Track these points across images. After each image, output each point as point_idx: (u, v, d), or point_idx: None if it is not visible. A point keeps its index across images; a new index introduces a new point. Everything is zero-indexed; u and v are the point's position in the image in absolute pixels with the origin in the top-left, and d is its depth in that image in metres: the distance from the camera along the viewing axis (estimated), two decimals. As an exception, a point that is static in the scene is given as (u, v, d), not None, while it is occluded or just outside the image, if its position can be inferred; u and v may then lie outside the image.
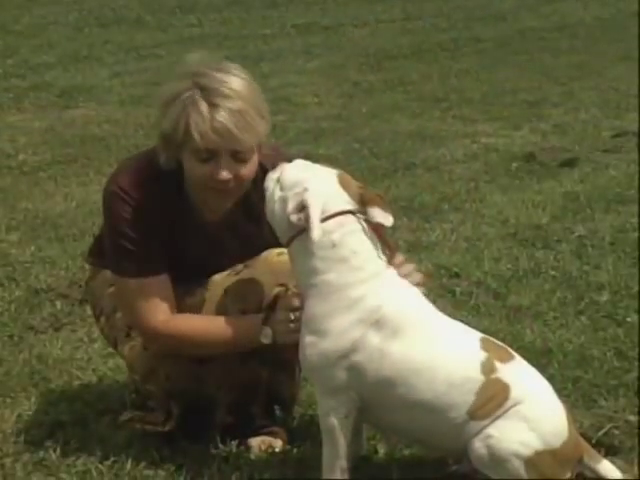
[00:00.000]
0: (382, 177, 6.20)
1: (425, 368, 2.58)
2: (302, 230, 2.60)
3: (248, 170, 2.79)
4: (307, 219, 2.57)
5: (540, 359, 3.42)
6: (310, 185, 2.63)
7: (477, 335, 2.69)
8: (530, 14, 14.49)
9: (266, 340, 2.78)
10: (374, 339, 2.58)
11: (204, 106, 2.70)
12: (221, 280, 2.95)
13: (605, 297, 4.12)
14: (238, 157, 2.75)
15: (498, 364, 2.60)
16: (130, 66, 11.12)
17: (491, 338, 2.72)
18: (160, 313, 2.83)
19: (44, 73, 10.76)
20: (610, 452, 2.88)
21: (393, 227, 5.37)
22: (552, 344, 3.67)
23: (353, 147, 7.07)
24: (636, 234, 4.91)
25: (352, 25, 14.05)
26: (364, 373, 2.60)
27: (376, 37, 12.88)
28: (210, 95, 2.71)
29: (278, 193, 2.67)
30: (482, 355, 2.61)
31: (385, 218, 2.66)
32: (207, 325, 2.85)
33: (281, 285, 2.87)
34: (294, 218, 2.60)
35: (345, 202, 2.66)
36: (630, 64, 9.87)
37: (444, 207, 5.55)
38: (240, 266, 2.95)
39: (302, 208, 2.59)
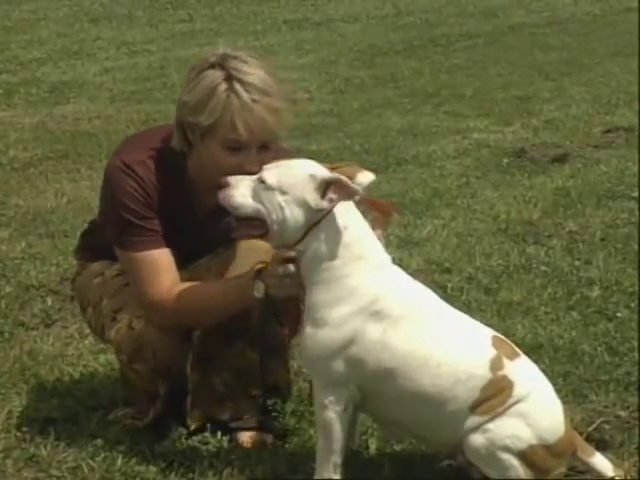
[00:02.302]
0: (373, 173, 6.18)
1: (432, 362, 2.58)
2: (317, 220, 2.60)
3: (270, 156, 2.82)
4: (342, 186, 2.55)
5: (531, 354, 3.39)
6: (312, 171, 2.62)
7: (489, 332, 2.69)
8: (521, 10, 14.50)
9: (258, 294, 2.76)
10: (374, 330, 2.58)
11: (249, 101, 2.75)
12: (203, 262, 3.00)
13: (596, 292, 4.13)
14: (264, 147, 2.81)
15: (506, 361, 2.61)
16: (121, 62, 11.10)
17: (501, 335, 2.72)
18: (164, 284, 2.86)
19: (34, 69, 10.73)
20: (601, 447, 2.89)
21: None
22: (543, 339, 3.68)
23: (344, 143, 7.07)
24: (626, 230, 4.92)
25: (343, 21, 14.05)
26: (363, 365, 2.59)
27: (367, 33, 12.87)
28: (250, 90, 2.75)
29: (280, 199, 2.61)
30: (492, 352, 2.61)
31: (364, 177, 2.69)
32: (206, 289, 2.88)
33: (261, 262, 2.88)
34: (324, 203, 2.57)
35: None
36: (621, 60, 9.89)
37: (435, 203, 5.55)
38: (221, 248, 2.99)
39: (325, 186, 2.57)
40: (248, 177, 2.69)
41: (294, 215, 2.60)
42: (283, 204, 2.60)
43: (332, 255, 2.61)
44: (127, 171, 2.87)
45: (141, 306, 2.94)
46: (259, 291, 2.76)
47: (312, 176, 2.60)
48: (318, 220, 2.61)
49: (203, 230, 2.98)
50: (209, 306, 2.88)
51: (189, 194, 2.94)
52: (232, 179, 2.68)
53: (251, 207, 2.64)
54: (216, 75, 2.78)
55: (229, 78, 2.77)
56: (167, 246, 2.90)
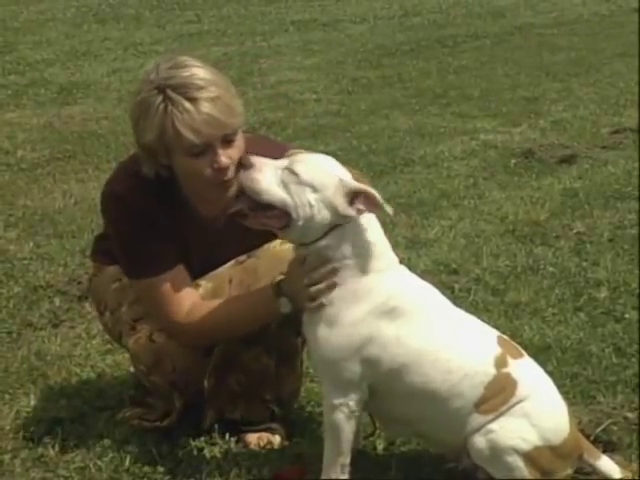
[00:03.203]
0: (381, 174, 6.19)
1: (443, 356, 2.60)
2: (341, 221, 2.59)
3: (238, 149, 2.78)
4: (372, 200, 2.55)
5: (539, 355, 3.41)
6: (340, 174, 2.61)
7: (494, 332, 2.73)
8: (528, 10, 14.47)
9: (285, 309, 2.76)
10: (389, 328, 2.59)
11: (186, 103, 2.70)
12: (225, 271, 2.98)
13: (603, 294, 4.13)
14: (228, 141, 2.75)
15: (510, 360, 2.63)
16: (129, 63, 11.10)
17: (505, 336, 2.75)
18: (184, 306, 2.85)
19: (42, 70, 10.75)
20: (608, 448, 2.89)
21: (392, 224, 5.37)
22: (550, 340, 3.68)
23: (352, 144, 7.06)
24: (634, 231, 4.91)
25: (351, 21, 14.04)
26: (379, 363, 2.60)
27: (375, 33, 12.86)
28: (184, 91, 2.70)
29: (310, 196, 2.57)
30: (497, 350, 2.64)
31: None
32: (227, 309, 2.86)
33: (284, 273, 2.88)
34: (352, 211, 2.57)
35: None
36: (628, 60, 9.86)
37: (443, 204, 5.55)
38: (243, 257, 2.98)
39: (354, 195, 2.56)
40: (272, 162, 2.62)
41: (322, 215, 2.59)
42: (313, 202, 2.57)
43: (352, 255, 2.62)
44: (120, 202, 2.87)
45: (165, 329, 2.93)
46: (285, 307, 2.76)
47: (342, 181, 2.59)
48: (335, 225, 2.60)
49: (217, 237, 2.95)
50: (230, 326, 2.87)
51: (187, 209, 2.92)
52: (255, 160, 2.61)
53: (278, 196, 2.58)
54: (150, 90, 2.74)
55: (162, 90, 2.72)
56: (179, 262, 2.88)
